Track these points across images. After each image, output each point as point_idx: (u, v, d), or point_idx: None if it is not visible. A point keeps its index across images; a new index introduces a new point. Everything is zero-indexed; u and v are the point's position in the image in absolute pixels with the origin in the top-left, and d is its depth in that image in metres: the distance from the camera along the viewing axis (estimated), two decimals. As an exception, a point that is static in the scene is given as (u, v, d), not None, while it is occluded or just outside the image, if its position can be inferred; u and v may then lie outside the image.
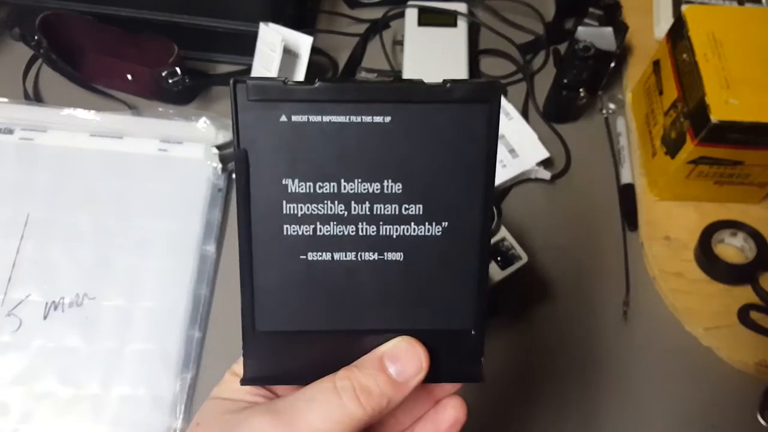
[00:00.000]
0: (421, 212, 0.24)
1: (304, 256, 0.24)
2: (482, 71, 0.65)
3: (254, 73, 0.57)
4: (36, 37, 0.56)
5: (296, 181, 0.24)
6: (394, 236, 0.24)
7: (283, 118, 0.23)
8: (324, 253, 0.24)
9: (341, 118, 0.23)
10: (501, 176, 0.55)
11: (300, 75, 0.57)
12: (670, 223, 0.54)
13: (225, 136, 0.56)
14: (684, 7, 0.52)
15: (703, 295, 0.51)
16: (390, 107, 0.23)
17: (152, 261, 0.50)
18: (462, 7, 0.64)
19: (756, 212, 0.55)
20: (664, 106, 0.54)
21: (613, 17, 0.64)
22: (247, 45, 0.57)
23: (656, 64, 0.56)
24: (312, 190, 0.24)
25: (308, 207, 0.24)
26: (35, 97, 0.59)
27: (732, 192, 0.53)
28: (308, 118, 0.23)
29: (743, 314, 0.49)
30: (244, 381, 0.25)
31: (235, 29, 0.58)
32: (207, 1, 0.57)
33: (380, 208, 0.24)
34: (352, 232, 0.24)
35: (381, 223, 0.24)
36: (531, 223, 0.55)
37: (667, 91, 0.53)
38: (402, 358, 0.24)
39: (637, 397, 0.48)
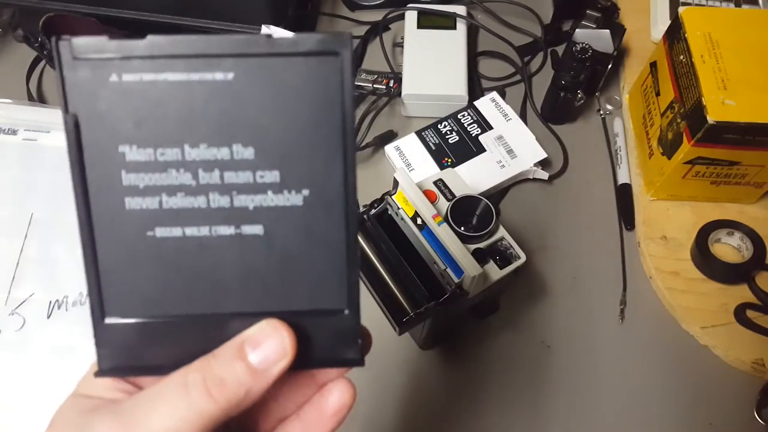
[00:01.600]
0: (278, 179, 0.21)
1: (152, 233, 0.22)
2: (481, 72, 0.65)
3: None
4: (39, 39, 0.57)
5: (134, 147, 0.21)
6: (251, 207, 0.22)
7: (114, 78, 0.20)
8: (173, 229, 0.22)
9: (179, 76, 0.21)
10: (499, 177, 0.55)
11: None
12: (667, 222, 0.55)
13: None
14: (681, 9, 0.53)
15: (700, 294, 0.51)
16: (232, 63, 0.21)
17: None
18: (461, 10, 0.65)
19: (753, 212, 0.55)
20: (661, 107, 0.54)
21: (610, 19, 0.65)
22: (248, 47, 0.57)
23: (653, 66, 0.57)
24: (153, 158, 0.21)
25: (150, 177, 0.21)
26: (38, 98, 0.60)
27: (729, 192, 0.54)
28: (141, 77, 0.21)
29: (740, 313, 0.50)
30: (99, 373, 0.23)
31: (236, 32, 0.59)
32: (209, 3, 0.58)
33: (232, 176, 0.21)
34: (203, 204, 0.22)
35: (234, 192, 0.21)
36: (529, 223, 0.56)
37: (664, 92, 0.54)
38: (263, 344, 0.21)
39: (634, 396, 0.48)
